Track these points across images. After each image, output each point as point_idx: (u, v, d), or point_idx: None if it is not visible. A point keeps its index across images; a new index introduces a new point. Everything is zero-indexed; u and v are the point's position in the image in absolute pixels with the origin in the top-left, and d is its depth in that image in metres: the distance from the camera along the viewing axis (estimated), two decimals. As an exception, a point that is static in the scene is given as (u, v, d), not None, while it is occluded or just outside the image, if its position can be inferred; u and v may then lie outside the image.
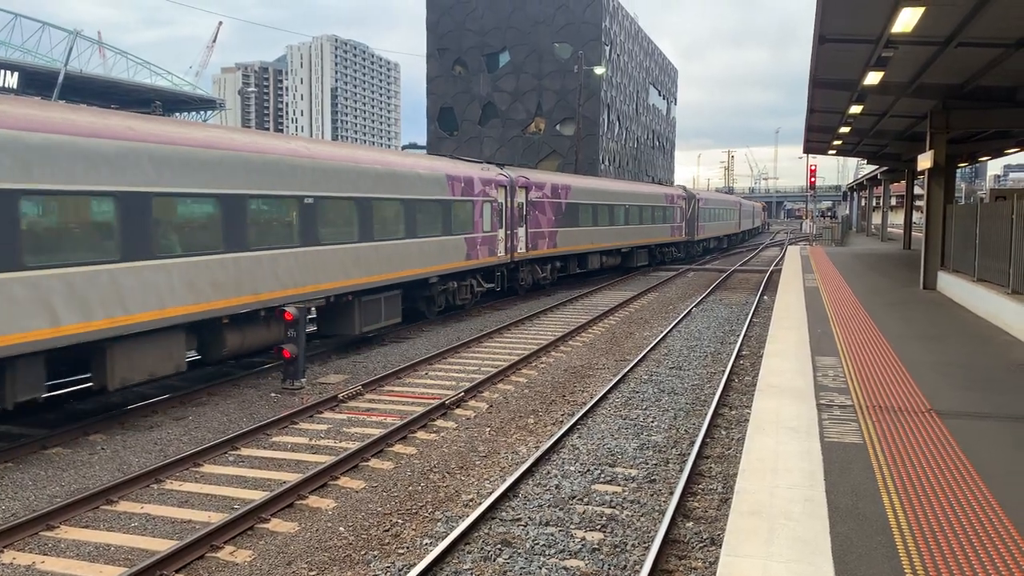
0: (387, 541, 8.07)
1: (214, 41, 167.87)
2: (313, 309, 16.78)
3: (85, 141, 11.05)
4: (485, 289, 25.11)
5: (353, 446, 10.87)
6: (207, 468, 10.23)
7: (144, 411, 12.74)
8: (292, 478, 9.65)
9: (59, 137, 10.69)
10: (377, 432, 11.53)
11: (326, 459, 10.39)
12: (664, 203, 44.63)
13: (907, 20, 11.96)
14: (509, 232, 25.91)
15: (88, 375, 12.47)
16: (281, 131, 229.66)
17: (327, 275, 16.28)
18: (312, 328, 17.77)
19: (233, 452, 10.84)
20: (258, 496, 9.12)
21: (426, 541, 8.02)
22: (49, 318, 10.53)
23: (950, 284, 19.46)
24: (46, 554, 7.79)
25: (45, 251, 10.57)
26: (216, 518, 8.51)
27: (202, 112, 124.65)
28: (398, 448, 11.02)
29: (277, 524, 8.44)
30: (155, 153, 12.20)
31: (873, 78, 16.11)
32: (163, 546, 7.83)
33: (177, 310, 12.57)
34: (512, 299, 27.44)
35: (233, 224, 13.73)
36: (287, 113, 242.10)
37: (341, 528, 8.35)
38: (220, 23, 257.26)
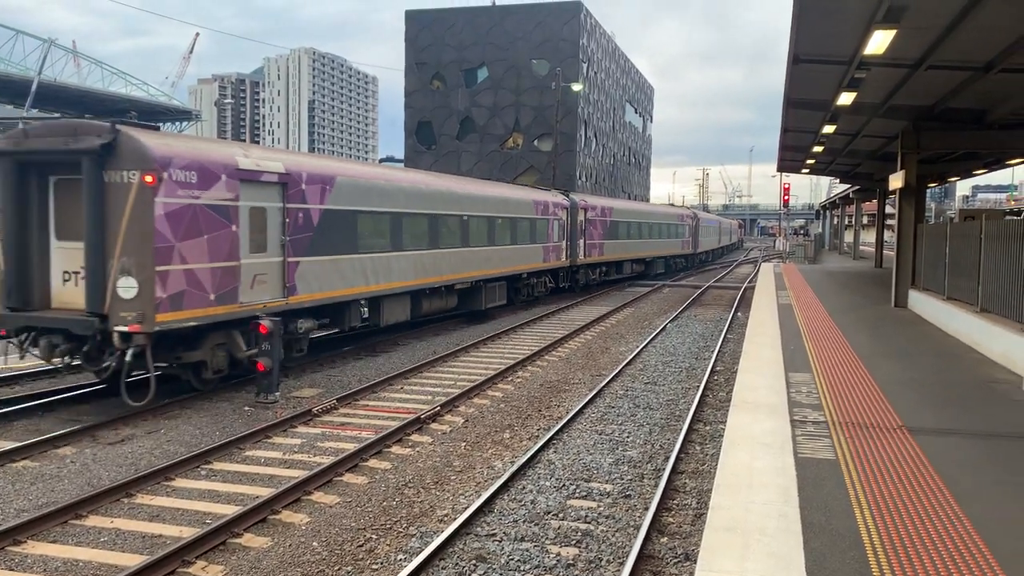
0: (361, 557, 8.01)
1: (191, 52, 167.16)
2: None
3: (375, 183, 19.01)
4: (554, 286, 33.06)
5: (327, 461, 10.79)
6: (179, 482, 10.10)
7: (115, 424, 12.58)
8: (265, 493, 9.56)
9: (368, 181, 18.73)
10: (352, 447, 11.45)
11: (300, 474, 10.30)
12: (677, 221, 53.99)
13: (879, 42, 12.18)
14: (569, 243, 33.74)
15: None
16: (257, 143, 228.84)
17: (472, 267, 24.48)
18: (455, 305, 24.49)
19: (205, 466, 10.72)
20: (230, 511, 9.02)
21: (400, 556, 7.97)
22: (364, 281, 18.38)
23: (921, 302, 19.73)
24: (12, 569, 7.64)
25: (364, 244, 18.30)
26: (188, 533, 8.39)
27: (177, 123, 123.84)
28: (373, 463, 10.96)
29: (249, 539, 8.35)
30: (404, 189, 20.32)
31: (846, 98, 16.37)
32: (133, 561, 7.72)
33: (409, 282, 20.56)
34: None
35: (433, 232, 21.80)
36: (263, 125, 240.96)
37: (315, 543, 8.28)
38: (197, 34, 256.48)
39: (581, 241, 34.96)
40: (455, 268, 23.12)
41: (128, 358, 12.66)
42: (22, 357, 14.59)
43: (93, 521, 8.81)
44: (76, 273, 13.26)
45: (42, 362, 14.31)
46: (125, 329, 12.57)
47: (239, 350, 14.59)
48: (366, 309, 19.72)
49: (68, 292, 13.39)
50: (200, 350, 14.09)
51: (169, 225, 12.88)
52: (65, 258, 13.42)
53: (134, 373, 13.28)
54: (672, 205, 65.60)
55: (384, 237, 19.26)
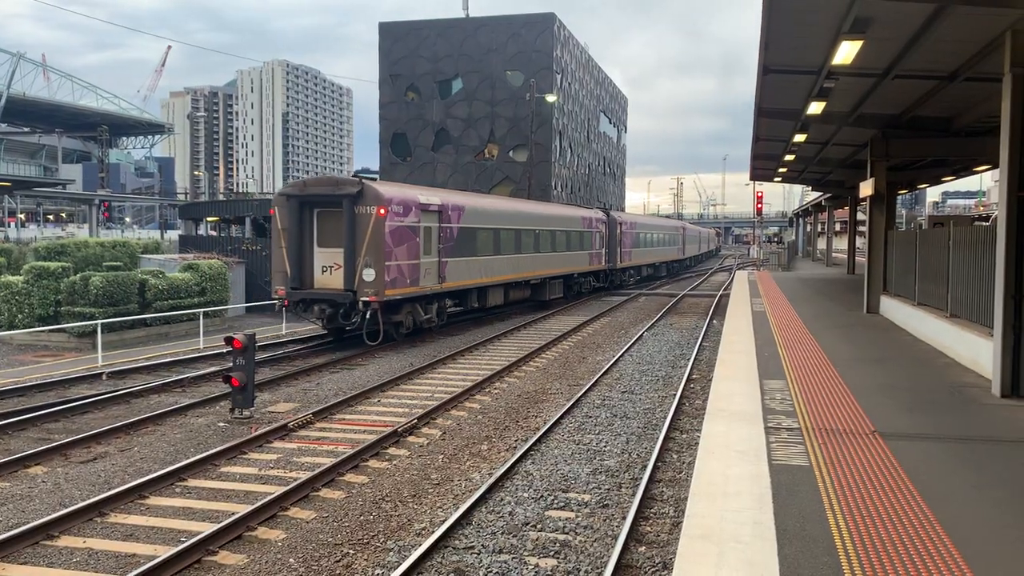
0: (338, 572, 7.96)
1: (162, 65, 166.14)
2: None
3: (486, 208, 27.52)
4: (596, 285, 41.12)
5: (304, 476, 10.72)
6: (153, 500, 9.99)
7: (87, 442, 12.42)
8: (241, 509, 9.46)
9: (483, 207, 27.27)
10: (328, 461, 11.38)
11: (276, 489, 10.22)
12: (674, 231, 64.59)
13: (846, 52, 12.35)
14: (608, 250, 42.18)
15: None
16: (230, 155, 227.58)
17: (541, 267, 32.40)
18: (528, 295, 32.52)
19: (180, 483, 10.61)
20: (206, 528, 8.93)
21: (378, 571, 7.93)
22: (480, 275, 26.37)
23: (892, 308, 19.98)
24: (-18, 593, 7.52)
25: (479, 249, 26.26)
26: (162, 551, 8.30)
27: (150, 136, 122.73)
28: (350, 477, 10.90)
29: (225, 556, 8.28)
30: (500, 211, 28.87)
31: (816, 108, 16.58)
32: (106, 582, 7.62)
33: (503, 277, 28.49)
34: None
35: (517, 242, 29.72)
36: (236, 138, 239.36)
37: (291, 560, 8.22)
38: (169, 47, 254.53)
39: (617, 249, 43.07)
40: (531, 268, 31.20)
41: (367, 317, 20.59)
42: (297, 317, 22.90)
43: (65, 541, 8.69)
44: (331, 267, 21.39)
45: (11, 381, 14.13)
46: (367, 299, 20.58)
47: (419, 316, 23.14)
48: (477, 301, 26.87)
49: (325, 278, 21.52)
50: (400, 314, 22.12)
51: (391, 238, 21.01)
52: (323, 258, 21.57)
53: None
54: (668, 217, 75.22)
55: (490, 245, 27.28)
